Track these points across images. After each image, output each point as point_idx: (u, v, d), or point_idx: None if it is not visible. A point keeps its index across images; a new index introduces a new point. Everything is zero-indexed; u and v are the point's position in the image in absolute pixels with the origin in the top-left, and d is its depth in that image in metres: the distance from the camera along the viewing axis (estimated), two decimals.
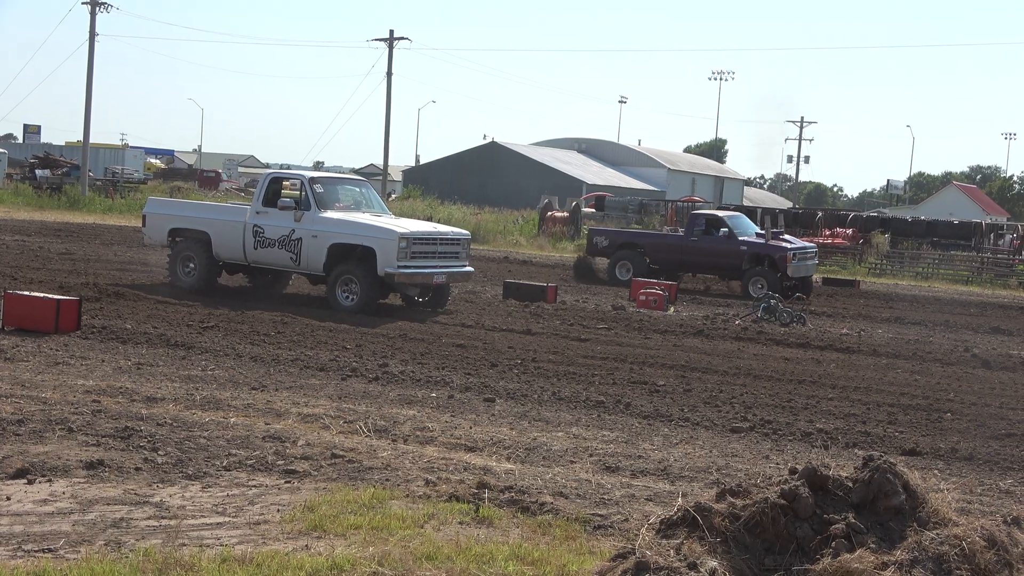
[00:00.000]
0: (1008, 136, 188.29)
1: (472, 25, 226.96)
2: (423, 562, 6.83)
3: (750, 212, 47.35)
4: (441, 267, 20.52)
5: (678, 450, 10.69)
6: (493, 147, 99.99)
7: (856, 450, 10.90)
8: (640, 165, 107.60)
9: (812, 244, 34.94)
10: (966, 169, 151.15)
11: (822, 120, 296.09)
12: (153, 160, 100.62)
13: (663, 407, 12.88)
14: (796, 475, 6.28)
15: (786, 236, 32.55)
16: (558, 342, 17.78)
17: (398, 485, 8.68)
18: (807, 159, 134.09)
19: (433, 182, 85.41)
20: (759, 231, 31.30)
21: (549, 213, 54.02)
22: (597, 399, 13.11)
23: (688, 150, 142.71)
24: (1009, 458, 11.31)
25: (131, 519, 7.48)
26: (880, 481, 6.24)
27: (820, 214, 59.05)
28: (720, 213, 33.60)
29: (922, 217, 64.49)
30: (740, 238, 30.36)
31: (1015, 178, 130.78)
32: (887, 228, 54.04)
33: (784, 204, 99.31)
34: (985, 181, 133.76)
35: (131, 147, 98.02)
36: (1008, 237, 53.96)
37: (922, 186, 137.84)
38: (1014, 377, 17.33)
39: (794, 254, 29.70)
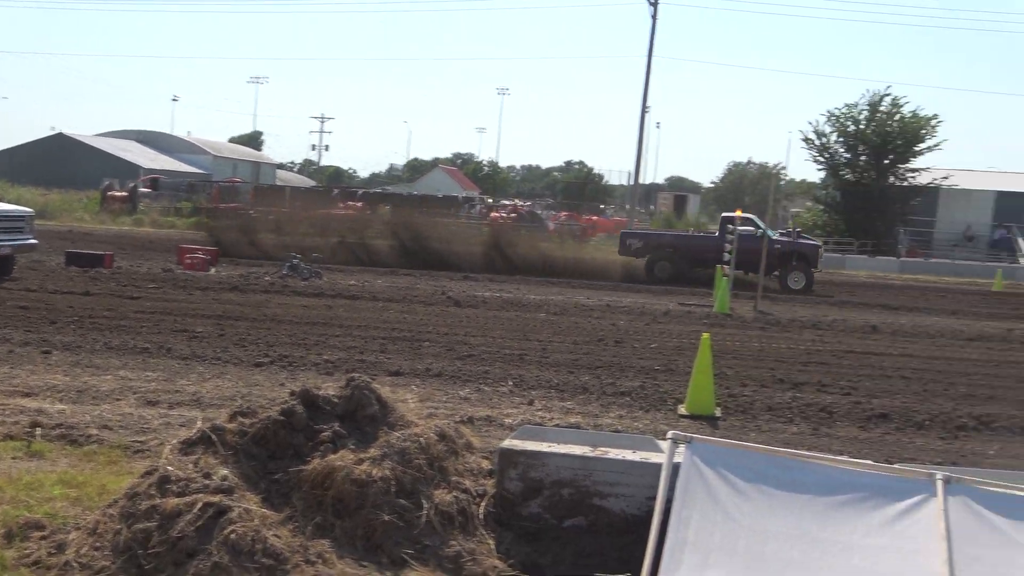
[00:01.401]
0: (480, 130, 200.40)
1: (46, 31, 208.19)
2: None
3: None
4: (6, 240, 18.86)
5: (210, 384, 10.43)
6: (60, 138, 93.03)
7: (354, 374, 11.09)
8: (190, 152, 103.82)
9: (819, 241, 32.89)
10: (450, 155, 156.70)
11: (339, 116, 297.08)
12: None
13: (200, 350, 12.51)
14: (294, 396, 6.32)
15: (804, 235, 31.05)
16: (113, 301, 16.82)
17: None
18: (327, 147, 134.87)
19: (4, 169, 78.29)
20: (781, 231, 30.13)
21: (109, 193, 51.26)
22: (143, 346, 12.51)
23: (233, 140, 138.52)
24: (469, 373, 11.89)
25: None
26: (359, 396, 6.42)
27: (336, 191, 59.69)
28: (746, 216, 28.75)
29: (416, 192, 66.62)
30: (772, 237, 26.85)
31: (484, 163, 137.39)
32: (389, 201, 55.41)
33: (310, 183, 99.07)
34: (464, 165, 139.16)
35: None
36: (479, 207, 57.07)
37: (417, 168, 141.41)
38: (477, 312, 18.27)
39: (821, 250, 29.65)
